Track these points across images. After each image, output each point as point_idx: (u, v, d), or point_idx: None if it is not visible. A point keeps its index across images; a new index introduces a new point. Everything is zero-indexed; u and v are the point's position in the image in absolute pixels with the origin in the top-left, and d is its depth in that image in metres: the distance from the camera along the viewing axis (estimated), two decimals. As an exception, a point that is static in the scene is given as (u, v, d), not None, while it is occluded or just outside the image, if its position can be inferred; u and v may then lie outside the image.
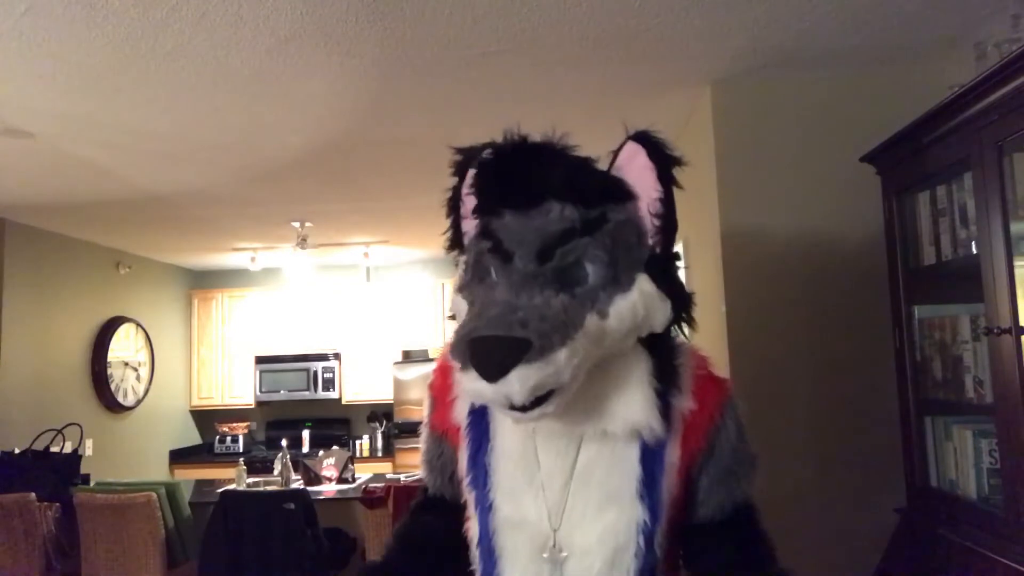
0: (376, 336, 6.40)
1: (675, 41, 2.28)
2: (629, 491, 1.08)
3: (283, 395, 6.41)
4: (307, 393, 6.39)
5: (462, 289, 1.13)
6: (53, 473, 3.99)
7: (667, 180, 1.09)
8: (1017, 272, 1.61)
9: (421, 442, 1.35)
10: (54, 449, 4.18)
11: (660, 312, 1.08)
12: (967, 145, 1.76)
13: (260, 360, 6.45)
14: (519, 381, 0.94)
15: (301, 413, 6.57)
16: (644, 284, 1.06)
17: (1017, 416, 1.59)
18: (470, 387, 0.98)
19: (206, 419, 6.66)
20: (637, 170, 1.09)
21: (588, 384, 1.03)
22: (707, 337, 2.84)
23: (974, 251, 1.79)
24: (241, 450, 6.34)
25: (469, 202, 1.15)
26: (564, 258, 1.03)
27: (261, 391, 6.43)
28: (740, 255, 2.55)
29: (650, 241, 1.10)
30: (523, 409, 0.97)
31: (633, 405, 1.05)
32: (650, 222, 1.09)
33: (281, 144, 3.18)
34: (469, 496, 1.17)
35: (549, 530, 1.09)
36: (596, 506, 1.08)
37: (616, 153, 1.12)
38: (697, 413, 1.13)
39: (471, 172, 1.15)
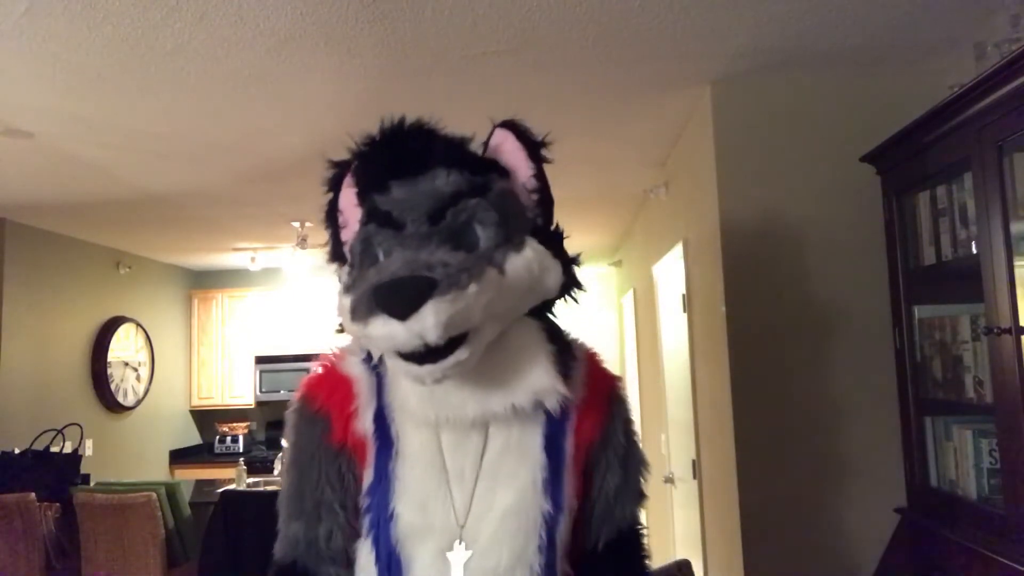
0: (376, 336, 6.39)
1: (675, 41, 2.28)
2: (534, 481, 1.08)
3: (283, 395, 6.41)
4: (307, 393, 6.38)
5: (350, 288, 1.08)
6: (53, 473, 3.99)
7: (538, 159, 1.16)
8: (1017, 272, 1.61)
9: (288, 484, 1.15)
10: (54, 449, 4.18)
11: (553, 272, 1.11)
12: (967, 145, 1.76)
13: (260, 360, 6.45)
14: (433, 315, 0.92)
15: (301, 413, 6.56)
16: (534, 244, 1.09)
17: (1017, 416, 1.59)
18: (380, 332, 0.95)
19: (206, 419, 6.67)
20: (509, 152, 1.15)
21: (489, 357, 1.04)
22: (707, 337, 2.85)
23: (974, 251, 1.79)
24: (241, 450, 6.35)
25: (347, 211, 1.18)
26: (456, 217, 1.05)
27: (261, 391, 6.43)
28: (740, 255, 2.55)
29: (530, 215, 1.14)
30: (436, 356, 0.95)
31: (535, 371, 1.07)
32: (528, 197, 1.14)
33: (281, 144, 3.18)
34: (364, 508, 1.10)
35: (456, 530, 1.07)
36: (503, 499, 1.07)
37: (486, 142, 1.18)
38: (590, 403, 1.15)
39: (347, 178, 1.17)
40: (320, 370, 1.21)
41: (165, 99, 2.61)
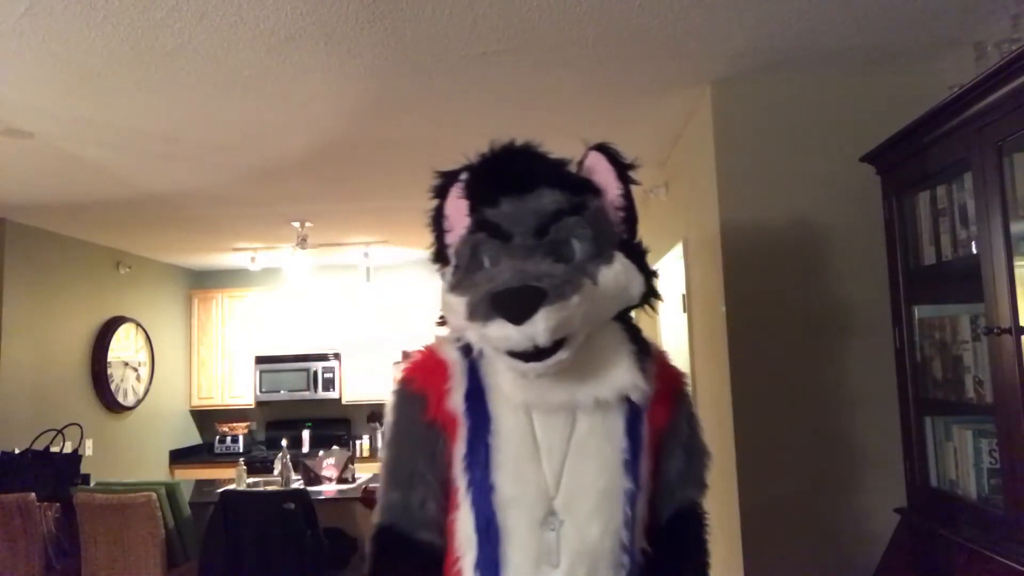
0: (376, 336, 6.40)
1: (675, 41, 2.28)
2: (617, 461, 1.20)
3: (283, 395, 6.41)
4: (307, 393, 6.39)
5: (456, 287, 1.23)
6: (53, 473, 3.99)
7: (626, 180, 1.31)
8: (1017, 272, 1.61)
9: (388, 457, 1.28)
10: (54, 449, 4.17)
11: (636, 282, 1.26)
12: (967, 145, 1.76)
13: (260, 360, 6.44)
14: (544, 321, 1.07)
15: (301, 413, 6.57)
16: (622, 258, 1.24)
17: (1017, 416, 1.59)
18: (498, 333, 1.10)
19: (206, 419, 6.66)
20: (602, 173, 1.30)
21: (579, 355, 1.16)
22: (707, 337, 2.85)
23: (974, 251, 1.79)
24: (241, 450, 6.34)
25: (453, 218, 1.31)
26: (558, 233, 1.20)
27: (261, 391, 6.43)
28: (740, 255, 2.55)
29: (617, 230, 1.29)
30: (542, 355, 1.10)
31: (619, 369, 1.20)
32: (615, 214, 1.29)
33: (281, 144, 3.18)
34: (463, 480, 1.20)
35: (548, 501, 1.18)
36: (592, 475, 1.19)
37: (581, 162, 1.32)
38: (661, 395, 1.28)
39: (455, 188, 1.31)
40: (419, 356, 1.35)
41: (165, 99, 2.61)
